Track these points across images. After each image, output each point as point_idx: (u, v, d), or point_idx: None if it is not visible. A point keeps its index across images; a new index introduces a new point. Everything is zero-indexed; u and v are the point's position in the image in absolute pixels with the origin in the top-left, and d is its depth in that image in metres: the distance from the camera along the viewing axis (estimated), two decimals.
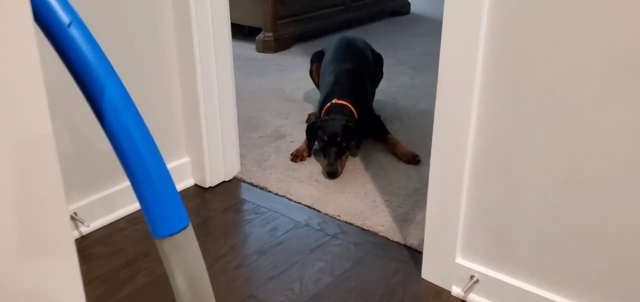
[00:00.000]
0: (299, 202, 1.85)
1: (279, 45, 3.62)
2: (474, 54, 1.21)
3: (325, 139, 2.04)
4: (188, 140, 1.92)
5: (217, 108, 1.88)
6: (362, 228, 1.71)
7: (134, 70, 1.71)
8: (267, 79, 3.10)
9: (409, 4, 4.77)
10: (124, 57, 1.67)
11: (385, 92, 2.86)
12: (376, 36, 4.04)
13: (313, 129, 2.11)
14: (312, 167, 2.09)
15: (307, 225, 1.73)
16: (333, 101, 2.18)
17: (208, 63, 1.82)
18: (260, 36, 3.61)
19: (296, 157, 2.13)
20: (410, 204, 1.83)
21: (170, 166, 1.88)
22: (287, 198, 1.88)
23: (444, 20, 1.25)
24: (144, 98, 1.75)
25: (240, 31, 4.02)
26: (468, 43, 1.22)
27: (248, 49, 3.69)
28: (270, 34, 3.58)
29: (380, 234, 1.68)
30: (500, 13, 1.16)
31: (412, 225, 1.72)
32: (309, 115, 2.53)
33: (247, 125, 2.46)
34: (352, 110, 2.17)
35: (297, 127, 2.42)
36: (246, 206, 1.84)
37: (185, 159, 1.94)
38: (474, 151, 1.31)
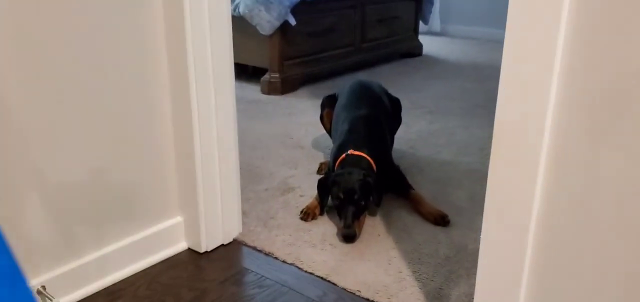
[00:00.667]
0: (311, 273, 1.56)
1: (285, 87, 3.38)
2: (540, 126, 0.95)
3: (341, 196, 1.76)
4: (181, 196, 1.65)
5: (216, 158, 1.62)
6: None
7: (118, 111, 1.45)
8: (273, 123, 2.85)
9: (421, 46, 4.56)
10: (106, 95, 1.42)
11: (403, 140, 2.59)
12: (388, 78, 3.80)
13: (326, 184, 1.84)
14: (326, 227, 1.80)
15: None
16: (348, 152, 1.92)
17: (207, 105, 1.56)
18: (266, 77, 3.38)
19: (307, 215, 1.85)
20: (443, 276, 1.54)
21: (158, 227, 1.61)
22: (296, 267, 1.59)
23: (501, 88, 1.01)
24: (128, 145, 1.49)
25: (244, 71, 3.79)
26: (531, 116, 0.96)
27: (252, 90, 3.46)
28: (277, 75, 3.35)
29: None
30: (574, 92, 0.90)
31: None
32: (321, 164, 2.26)
33: (250, 176, 2.19)
34: (370, 162, 1.90)
35: (307, 179, 2.15)
36: (248, 277, 1.55)
37: (178, 219, 1.66)
38: (534, 246, 1.03)
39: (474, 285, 1.50)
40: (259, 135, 2.66)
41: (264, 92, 3.39)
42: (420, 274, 1.55)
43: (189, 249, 1.68)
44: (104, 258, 1.48)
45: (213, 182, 1.63)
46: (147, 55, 1.48)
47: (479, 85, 3.66)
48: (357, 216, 1.75)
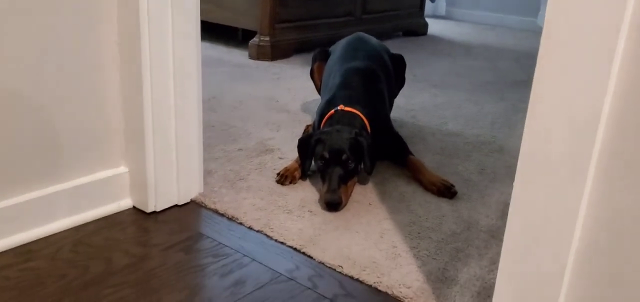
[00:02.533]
0: (282, 242, 1.24)
1: (276, 52, 3.06)
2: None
3: (326, 156, 1.45)
4: (127, 142, 1.32)
5: (172, 96, 1.30)
6: (376, 289, 1.10)
7: (46, 22, 1.13)
8: (258, 86, 2.53)
9: (426, 25, 4.24)
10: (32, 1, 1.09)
11: (403, 109, 2.27)
12: None
13: (309, 142, 1.52)
14: (306, 192, 1.48)
15: (291, 278, 1.12)
16: (339, 108, 1.60)
17: (161, 25, 1.24)
18: (255, 40, 3.05)
19: (284, 178, 1.53)
20: (448, 254, 1.22)
21: (95, 176, 1.28)
22: (265, 235, 1.27)
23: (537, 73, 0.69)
24: (57, 66, 1.17)
25: (234, 36, 3.47)
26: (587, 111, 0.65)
27: (240, 55, 3.13)
28: (267, 39, 3.03)
29: (406, 300, 1.06)
30: None
31: (455, 288, 1.11)
32: (307, 127, 1.94)
33: (223, 135, 1.87)
34: (363, 121, 1.59)
35: (290, 142, 1.83)
36: (202, 244, 1.23)
37: (122, 170, 1.34)
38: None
39: (486, 267, 1.19)
40: (241, 96, 2.34)
41: (252, 56, 3.06)
42: (418, 251, 1.23)
43: (134, 207, 1.36)
44: (18, 208, 1.16)
45: (166, 126, 1.31)
46: None
47: (489, 63, 3.34)
48: (344, 180, 1.42)
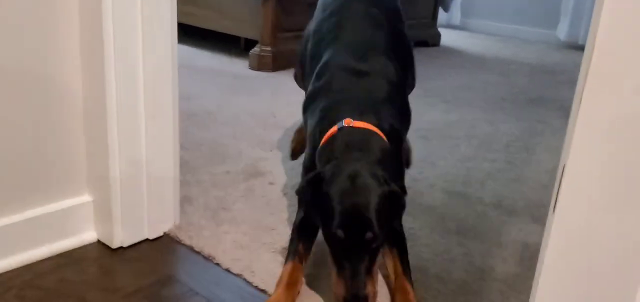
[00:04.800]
0: (263, 290, 1.07)
1: (277, 62, 2.89)
2: None
3: (342, 235, 0.95)
4: (90, 167, 1.16)
5: (142, 114, 1.13)
6: None
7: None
8: (256, 100, 2.36)
9: (439, 35, 4.05)
10: None
11: (412, 128, 2.07)
12: None
13: (318, 197, 0.99)
14: None
15: None
16: (344, 124, 1.08)
17: (127, 29, 1.07)
18: (256, 50, 2.89)
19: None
20: None
21: (54, 207, 1.12)
22: (244, 279, 1.10)
23: None
24: (10, 75, 1.01)
25: (236, 45, 3.32)
26: None
27: (240, 65, 2.97)
28: (268, 49, 2.86)
29: None
30: None
31: None
32: (297, 132, 1.63)
33: (210, 154, 1.70)
34: (383, 143, 1.08)
35: (283, 164, 1.66)
36: (170, 289, 1.06)
37: (85, 198, 1.17)
38: None
39: None
40: (236, 110, 2.17)
41: (253, 67, 2.90)
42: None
43: (99, 241, 1.19)
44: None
45: (135, 149, 1.14)
46: None
47: (504, 78, 3.15)
48: (370, 267, 0.96)
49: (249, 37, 2.99)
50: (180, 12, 3.32)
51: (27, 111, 1.05)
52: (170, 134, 1.20)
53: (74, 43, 1.08)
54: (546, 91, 2.89)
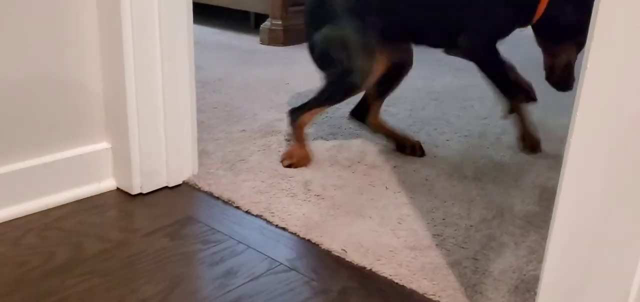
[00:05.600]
0: (283, 228, 1.07)
1: (288, 37, 2.88)
2: None
3: None
4: (108, 114, 1.17)
5: (159, 62, 1.13)
6: (393, 281, 0.91)
7: None
8: (268, 70, 2.36)
9: None
10: None
11: (424, 92, 2.08)
12: None
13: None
14: (316, 173, 1.31)
15: (291, 268, 0.94)
16: None
17: None
18: (267, 24, 2.89)
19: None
20: (478, 243, 1.03)
21: (72, 152, 1.13)
22: (264, 220, 1.10)
23: None
24: (22, 20, 1.01)
25: (245, 21, 3.31)
26: None
27: (251, 41, 2.97)
28: (279, 23, 2.85)
29: (428, 295, 0.88)
30: None
31: (488, 280, 0.92)
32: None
33: (225, 116, 1.70)
34: None
35: None
36: (191, 229, 1.06)
37: (103, 145, 1.18)
38: None
39: (524, 257, 1.00)
40: (249, 79, 2.17)
41: (263, 42, 2.89)
42: (443, 239, 1.04)
43: (118, 189, 1.20)
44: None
45: (153, 97, 1.15)
46: None
47: (514, 48, 3.12)
48: None
49: (259, 11, 2.99)
50: None
51: (45, 55, 1.05)
52: (186, 78, 1.20)
53: None
54: None
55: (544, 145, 1.55)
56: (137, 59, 1.10)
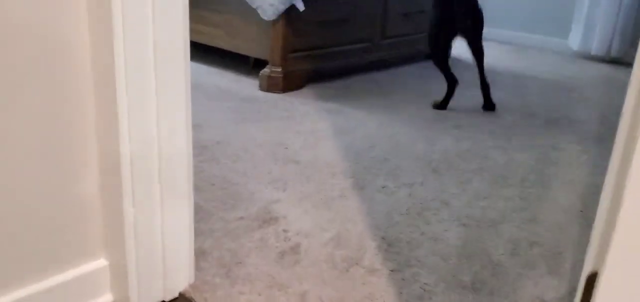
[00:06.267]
0: None
1: (287, 83, 2.88)
2: None
3: None
4: (106, 230, 1.15)
5: (156, 174, 1.12)
6: None
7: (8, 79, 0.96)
8: (267, 127, 2.35)
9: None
10: None
11: (423, 160, 2.08)
12: (408, 82, 3.28)
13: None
14: (312, 281, 1.30)
15: None
16: None
17: (141, 91, 1.06)
18: (266, 71, 2.88)
19: None
20: None
21: (70, 274, 1.11)
22: None
23: None
24: (19, 139, 1.00)
25: (245, 63, 3.30)
26: None
27: (250, 86, 2.96)
28: (278, 70, 2.85)
29: None
30: None
31: None
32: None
33: (223, 196, 1.69)
34: None
35: (297, 206, 1.65)
36: None
37: (101, 263, 1.17)
38: None
39: None
40: (246, 142, 2.17)
41: (262, 88, 2.89)
42: None
43: None
44: None
45: (150, 210, 1.14)
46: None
47: (516, 97, 3.12)
48: None
49: (259, 57, 2.98)
50: (189, 30, 3.30)
51: (44, 178, 1.04)
52: (184, 187, 1.19)
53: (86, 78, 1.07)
54: (560, 111, 2.86)
55: (544, 236, 1.54)
56: (134, 172, 1.09)
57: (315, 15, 2.93)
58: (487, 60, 4.16)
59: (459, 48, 4.27)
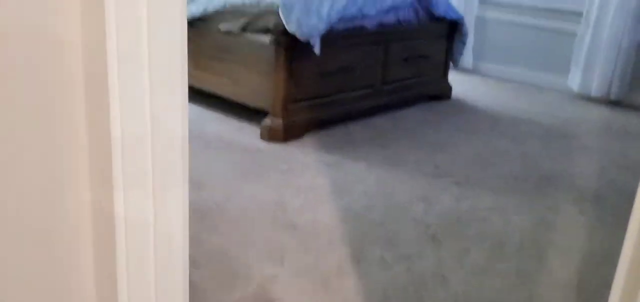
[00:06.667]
0: None
1: (288, 134, 2.90)
2: None
3: None
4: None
5: (151, 248, 1.13)
6: None
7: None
8: (266, 184, 2.36)
9: (450, 88, 4.03)
10: None
11: (421, 223, 2.09)
12: (411, 129, 3.30)
13: None
14: None
15: None
16: None
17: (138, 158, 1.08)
18: (267, 122, 2.90)
19: None
20: None
21: None
22: None
23: None
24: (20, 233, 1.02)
25: (246, 107, 3.32)
26: None
27: (250, 134, 2.98)
28: (279, 121, 2.87)
29: None
30: None
31: None
32: None
33: (221, 273, 1.70)
34: None
35: (296, 283, 1.66)
36: None
37: None
38: None
39: None
40: (247, 203, 2.18)
41: (263, 138, 2.90)
42: None
43: None
44: None
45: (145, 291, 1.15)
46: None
47: (516, 145, 3.13)
48: None
49: (260, 107, 3.00)
50: (191, 76, 3.45)
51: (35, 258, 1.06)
52: (180, 263, 1.21)
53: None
54: (559, 163, 2.87)
55: None
56: (130, 284, 1.11)
57: (317, 65, 2.95)
58: (485, 98, 4.20)
59: (464, 86, 4.29)
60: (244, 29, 2.96)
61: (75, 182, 1.06)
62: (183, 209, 1.15)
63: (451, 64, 4.03)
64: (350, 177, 2.51)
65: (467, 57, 4.86)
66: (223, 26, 3.03)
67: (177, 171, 1.11)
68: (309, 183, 2.41)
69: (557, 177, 2.68)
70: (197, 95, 3.38)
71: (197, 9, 3.11)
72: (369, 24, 3.19)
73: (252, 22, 2.93)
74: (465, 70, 4.91)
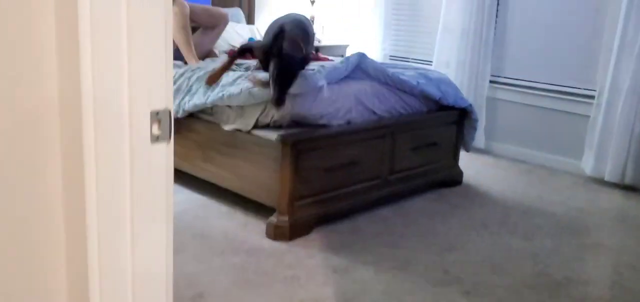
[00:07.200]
0: None
1: (294, 232, 2.87)
2: None
3: None
4: None
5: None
6: None
7: None
8: (268, 297, 2.32)
9: (461, 173, 3.99)
10: None
11: None
12: (419, 222, 3.25)
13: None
14: None
15: None
16: None
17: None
18: (273, 220, 2.88)
19: None
20: None
21: None
22: None
23: None
24: None
25: (253, 203, 3.31)
26: None
27: (255, 231, 2.95)
28: (285, 219, 2.85)
29: None
30: None
31: None
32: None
33: None
34: None
35: None
36: None
37: None
38: None
39: None
40: None
41: (269, 236, 2.88)
42: None
43: None
44: None
45: None
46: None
47: (527, 244, 3.06)
48: None
49: (266, 203, 2.99)
50: (198, 167, 3.46)
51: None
52: None
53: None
54: (571, 267, 2.78)
55: None
56: None
57: (323, 161, 2.95)
58: (497, 184, 4.13)
59: (476, 167, 4.21)
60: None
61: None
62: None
63: (463, 147, 4.01)
64: (358, 286, 2.46)
65: (479, 137, 4.83)
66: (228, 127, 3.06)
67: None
68: (313, 295, 2.36)
69: (569, 285, 2.60)
70: (203, 187, 3.39)
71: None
72: (375, 117, 3.21)
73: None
74: (477, 150, 4.86)
